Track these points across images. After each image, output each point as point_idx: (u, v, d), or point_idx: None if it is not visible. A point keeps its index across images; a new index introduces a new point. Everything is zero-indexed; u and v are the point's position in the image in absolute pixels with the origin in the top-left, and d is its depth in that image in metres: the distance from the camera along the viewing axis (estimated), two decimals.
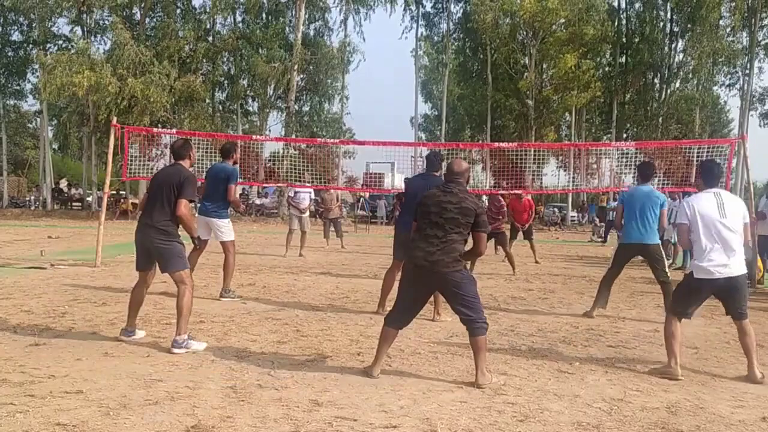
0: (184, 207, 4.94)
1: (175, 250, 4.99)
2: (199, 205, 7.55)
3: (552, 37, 30.30)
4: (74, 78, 23.87)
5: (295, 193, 12.93)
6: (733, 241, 4.60)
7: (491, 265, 11.74)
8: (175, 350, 4.81)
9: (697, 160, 12.38)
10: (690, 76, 32.13)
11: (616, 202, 7.20)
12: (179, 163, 5.18)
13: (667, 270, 6.87)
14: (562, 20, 29.62)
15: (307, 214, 12.99)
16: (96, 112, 25.92)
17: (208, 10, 30.53)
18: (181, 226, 5.06)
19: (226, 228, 7.25)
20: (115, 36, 26.52)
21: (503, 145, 14.61)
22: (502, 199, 11.70)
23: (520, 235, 12.89)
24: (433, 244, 4.19)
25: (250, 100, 34.47)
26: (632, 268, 8.04)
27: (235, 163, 7.40)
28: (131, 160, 12.46)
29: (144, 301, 5.36)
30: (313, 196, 13.53)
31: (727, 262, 4.56)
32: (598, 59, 33.86)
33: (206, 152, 13.92)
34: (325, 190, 15.33)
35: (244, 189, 33.67)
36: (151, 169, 15.82)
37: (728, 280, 4.56)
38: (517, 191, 13.38)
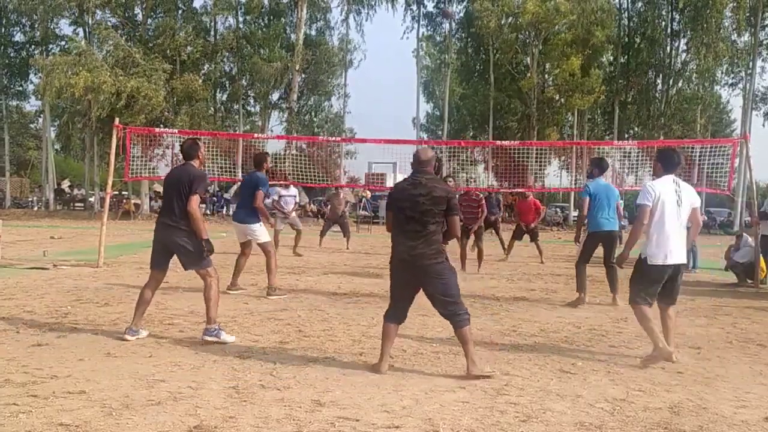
0: (194, 202, 5.11)
1: (195, 248, 5.14)
2: (233, 211, 8.10)
3: (555, 38, 30.23)
4: (71, 79, 23.94)
5: (280, 197, 12.88)
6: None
7: (493, 265, 11.73)
8: (207, 338, 5.07)
9: (699, 160, 12.37)
10: (694, 76, 32.00)
11: (583, 195, 7.56)
12: (189, 163, 5.35)
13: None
14: (565, 20, 29.49)
15: (294, 214, 13.06)
16: (93, 111, 25.95)
17: (209, 10, 30.56)
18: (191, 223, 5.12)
19: (259, 231, 7.63)
20: (102, 35, 26.58)
21: (505, 143, 14.58)
22: (479, 194, 11.22)
23: (527, 237, 12.85)
24: (413, 238, 4.29)
25: (251, 101, 34.52)
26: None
27: (267, 171, 7.89)
28: (133, 160, 12.47)
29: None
30: (298, 200, 13.64)
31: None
32: (601, 59, 33.77)
33: (208, 151, 13.93)
34: (334, 194, 15.10)
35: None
36: (153, 169, 15.86)
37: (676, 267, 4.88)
38: (519, 190, 13.32)
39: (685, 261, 4.99)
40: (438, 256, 4.30)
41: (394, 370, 4.44)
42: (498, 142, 13.73)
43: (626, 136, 34.31)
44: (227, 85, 33.28)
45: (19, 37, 32.96)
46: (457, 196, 4.58)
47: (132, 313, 5.31)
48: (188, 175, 5.17)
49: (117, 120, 11.17)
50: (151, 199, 31.57)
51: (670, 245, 4.81)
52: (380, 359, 4.42)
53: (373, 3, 33.61)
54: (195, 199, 5.10)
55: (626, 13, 34.03)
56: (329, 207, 15.20)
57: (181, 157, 5.50)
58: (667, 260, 4.81)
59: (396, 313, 4.47)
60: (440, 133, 37.77)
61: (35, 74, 32.13)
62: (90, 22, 29.56)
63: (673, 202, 4.85)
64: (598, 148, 16.60)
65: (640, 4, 33.73)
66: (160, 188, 36.41)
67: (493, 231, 13.11)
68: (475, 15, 29.90)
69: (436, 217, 4.30)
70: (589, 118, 36.07)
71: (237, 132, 33.38)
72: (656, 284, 4.87)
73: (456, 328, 4.34)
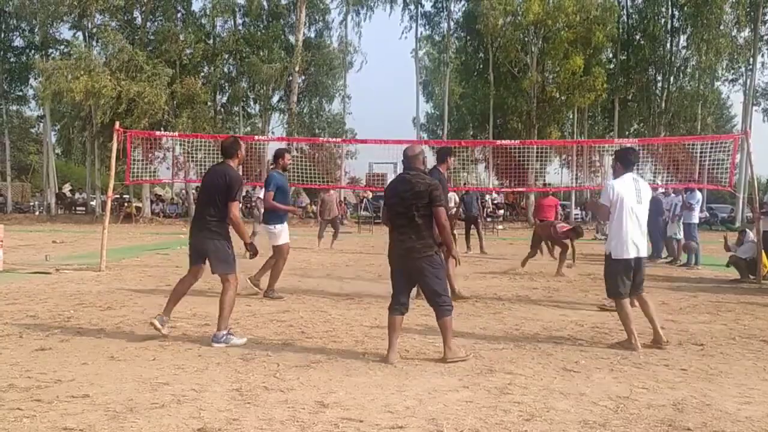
0: (235, 209, 5.09)
1: (224, 252, 5.13)
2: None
3: (556, 36, 30.14)
4: (71, 83, 23.95)
5: (258, 198, 12.88)
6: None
7: (496, 263, 11.74)
8: (215, 344, 5.02)
9: (700, 157, 12.36)
10: (697, 73, 31.91)
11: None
12: (227, 162, 5.28)
13: None
14: (565, 19, 29.41)
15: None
16: (95, 115, 26.00)
17: (208, 13, 30.57)
18: (233, 230, 5.16)
19: (277, 233, 7.61)
20: (106, 38, 26.63)
21: (505, 142, 14.58)
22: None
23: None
24: (404, 233, 4.56)
25: (251, 103, 34.53)
26: None
27: (283, 169, 7.76)
28: (134, 164, 12.48)
29: (186, 295, 5.47)
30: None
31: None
32: (601, 57, 33.69)
33: (208, 153, 14.01)
34: (326, 192, 15.85)
35: (247, 191, 33.73)
36: (153, 172, 15.89)
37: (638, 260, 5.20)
38: (520, 189, 13.40)
39: (645, 255, 5.31)
40: (427, 249, 4.53)
41: (397, 371, 4.44)
42: (498, 142, 13.72)
43: (627, 133, 34.25)
44: (227, 88, 33.29)
45: (18, 41, 33.04)
46: (440, 187, 4.70)
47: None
48: (224, 179, 5.08)
49: (118, 124, 11.17)
50: (152, 202, 31.60)
51: (631, 240, 5.11)
52: (389, 351, 4.64)
53: (371, 3, 33.58)
54: (235, 206, 5.09)
55: (626, 10, 33.96)
56: (320, 207, 15.77)
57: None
58: (630, 254, 5.12)
59: (398, 304, 4.69)
60: (440, 132, 37.73)
61: (35, 78, 32.24)
62: (89, 26, 29.58)
63: (633, 199, 5.14)
64: (599, 147, 16.60)
65: (639, 0, 33.66)
66: (161, 191, 36.48)
67: (474, 228, 14.41)
68: (483, 12, 29.74)
69: (420, 211, 4.51)
70: (590, 116, 36.00)
71: (238, 134, 33.45)
72: (624, 276, 5.18)
73: (438, 317, 4.65)
